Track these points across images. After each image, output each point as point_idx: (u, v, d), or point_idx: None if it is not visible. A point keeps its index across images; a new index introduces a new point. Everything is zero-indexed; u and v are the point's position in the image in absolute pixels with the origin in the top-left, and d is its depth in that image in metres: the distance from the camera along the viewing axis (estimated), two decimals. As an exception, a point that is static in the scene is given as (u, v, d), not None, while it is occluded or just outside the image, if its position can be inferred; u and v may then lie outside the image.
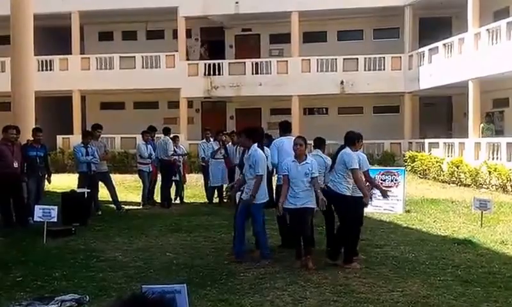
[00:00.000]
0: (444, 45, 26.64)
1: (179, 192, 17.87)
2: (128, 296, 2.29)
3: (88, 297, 7.47)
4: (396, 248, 10.49)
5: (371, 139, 25.51)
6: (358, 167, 9.27)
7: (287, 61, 31.39)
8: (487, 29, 23.29)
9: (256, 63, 31.51)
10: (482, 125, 23.52)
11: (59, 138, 31.58)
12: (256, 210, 9.51)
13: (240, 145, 11.67)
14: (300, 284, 8.05)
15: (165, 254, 10.21)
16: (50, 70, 32.15)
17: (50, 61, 32.18)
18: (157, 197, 17.47)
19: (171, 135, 17.74)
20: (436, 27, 28.93)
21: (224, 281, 8.31)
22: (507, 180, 19.65)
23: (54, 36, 31.92)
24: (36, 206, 11.80)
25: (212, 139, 17.96)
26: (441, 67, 26.65)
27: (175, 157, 17.34)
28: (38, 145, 13.85)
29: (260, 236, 9.70)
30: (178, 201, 17.67)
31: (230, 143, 17.17)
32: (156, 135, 18.05)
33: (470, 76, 24.12)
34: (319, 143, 11.09)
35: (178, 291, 5.49)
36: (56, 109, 32.41)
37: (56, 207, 11.58)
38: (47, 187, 14.68)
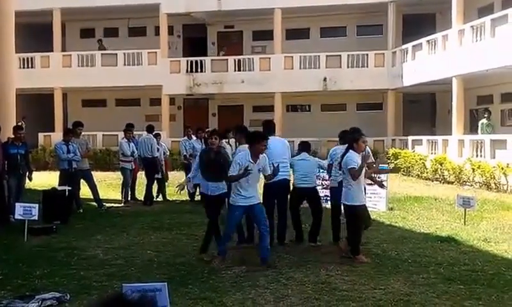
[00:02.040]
0: (428, 41, 26.64)
1: (161, 190, 17.78)
2: (109, 296, 2.23)
3: (68, 295, 7.40)
4: (379, 246, 10.46)
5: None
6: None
7: (269, 57, 31.36)
8: (471, 26, 23.25)
9: (239, 60, 31.46)
10: (482, 121, 22.99)
11: (41, 135, 31.38)
12: (260, 210, 9.24)
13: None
14: (282, 282, 8.00)
15: (146, 252, 10.14)
16: (32, 67, 31.96)
17: (31, 58, 31.97)
18: (139, 195, 17.38)
19: (153, 133, 17.66)
20: (420, 24, 29.03)
21: (206, 278, 8.26)
22: (491, 178, 19.72)
23: (35, 33, 31.59)
24: (16, 204, 11.71)
25: (194, 137, 17.85)
26: (424, 64, 26.67)
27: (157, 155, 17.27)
28: (19, 143, 13.70)
29: (266, 236, 9.34)
30: (160, 199, 17.58)
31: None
32: (134, 132, 17.88)
33: (454, 73, 24.16)
34: (306, 147, 11.21)
35: (159, 290, 5.47)
36: (37, 106, 32.14)
37: (36, 205, 11.47)
38: (28, 184, 14.52)
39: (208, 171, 9.73)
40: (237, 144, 11.70)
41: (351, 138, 9.77)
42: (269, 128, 10.96)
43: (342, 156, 9.58)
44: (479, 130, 22.75)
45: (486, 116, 22.95)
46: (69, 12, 32.08)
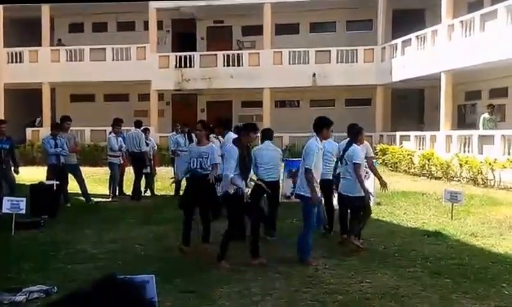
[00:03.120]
0: (417, 37, 26.68)
1: (149, 185, 17.72)
2: (99, 277, 2.26)
3: (56, 288, 7.39)
4: (366, 240, 10.48)
5: (343, 132, 25.48)
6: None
7: (258, 53, 31.33)
8: (460, 21, 23.30)
9: (228, 55, 31.40)
10: (484, 115, 22.18)
11: (29, 130, 31.22)
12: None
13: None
14: (269, 276, 8.02)
15: (134, 246, 10.15)
16: (20, 62, 31.70)
17: (19, 52, 31.71)
18: (127, 190, 17.31)
19: (142, 128, 17.61)
20: (409, 19, 29.01)
21: (194, 272, 8.26)
22: (478, 173, 19.80)
23: (23, 28, 31.47)
24: (4, 198, 11.64)
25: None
26: (414, 59, 26.69)
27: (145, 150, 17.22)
28: (3, 137, 13.61)
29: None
30: (148, 194, 17.53)
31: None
32: (122, 128, 17.79)
33: (443, 68, 24.21)
34: (269, 134, 11.23)
35: (146, 282, 5.40)
36: (25, 101, 31.98)
37: (24, 199, 11.44)
38: (16, 179, 14.43)
39: (247, 169, 9.03)
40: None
41: (354, 131, 10.06)
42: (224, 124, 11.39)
43: (344, 150, 9.71)
44: (480, 125, 22.12)
45: (488, 110, 22.23)
46: (58, 6, 31.81)
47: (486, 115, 22.03)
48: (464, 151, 21.54)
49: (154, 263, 8.82)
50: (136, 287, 2.33)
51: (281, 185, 12.76)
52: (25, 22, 31.53)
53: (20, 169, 14.28)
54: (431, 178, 22.17)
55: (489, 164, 19.28)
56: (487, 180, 19.52)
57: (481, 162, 19.72)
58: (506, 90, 24.56)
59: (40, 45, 31.91)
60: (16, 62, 31.46)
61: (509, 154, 19.16)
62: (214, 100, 33.50)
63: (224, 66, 31.06)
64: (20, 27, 31.46)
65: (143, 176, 17.32)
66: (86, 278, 7.90)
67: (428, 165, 22.69)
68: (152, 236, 11.03)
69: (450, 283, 7.74)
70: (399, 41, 28.31)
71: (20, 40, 31.17)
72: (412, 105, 31.94)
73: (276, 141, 28.52)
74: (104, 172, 20.39)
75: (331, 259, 9.02)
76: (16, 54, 31.57)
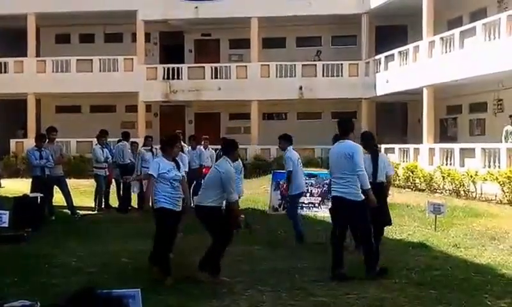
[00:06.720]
0: (400, 52, 27.15)
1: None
2: (78, 289, 2.29)
3: (38, 303, 7.27)
4: (351, 252, 10.51)
5: (329, 144, 25.51)
6: None
7: (246, 66, 31.50)
8: (441, 38, 23.94)
9: (216, 68, 31.53)
10: (506, 128, 20.79)
11: (13, 142, 31.04)
12: None
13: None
14: (257, 289, 8.02)
15: (120, 260, 10.05)
16: (5, 72, 31.64)
17: (4, 63, 31.66)
18: (114, 202, 17.24)
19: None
20: (392, 35, 29.43)
21: (181, 286, 8.21)
22: (460, 185, 20.03)
23: (8, 38, 31.34)
24: (-15, 211, 11.50)
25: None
26: (397, 74, 27.16)
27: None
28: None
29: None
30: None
31: (189, 148, 17.11)
32: (109, 139, 17.77)
33: (425, 83, 24.69)
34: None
35: (132, 297, 5.34)
36: (9, 112, 31.84)
37: (7, 212, 11.27)
38: (-2, 191, 14.34)
39: None
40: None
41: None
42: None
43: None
44: (503, 138, 20.69)
45: (511, 122, 20.93)
46: (44, 17, 31.80)
47: (509, 127, 20.77)
48: (447, 164, 21.80)
49: (141, 276, 8.71)
50: (115, 301, 2.37)
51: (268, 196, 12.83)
52: (11, 33, 31.41)
53: (4, 181, 14.16)
54: (415, 190, 22.33)
55: (471, 176, 19.53)
56: (469, 192, 19.75)
57: (463, 175, 19.97)
58: (486, 105, 25.00)
59: (25, 55, 31.81)
60: (0, 72, 31.36)
61: (489, 167, 19.41)
62: (202, 112, 33.55)
63: (212, 78, 31.21)
64: (5, 37, 31.35)
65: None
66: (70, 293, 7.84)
67: (412, 177, 22.88)
68: (138, 249, 10.84)
69: (434, 294, 7.80)
70: (382, 56, 28.74)
71: (5, 50, 31.06)
72: (396, 118, 32.24)
73: (264, 153, 28.94)
74: (89, 184, 20.30)
75: (317, 271, 9.05)
76: (0, 64, 31.46)
